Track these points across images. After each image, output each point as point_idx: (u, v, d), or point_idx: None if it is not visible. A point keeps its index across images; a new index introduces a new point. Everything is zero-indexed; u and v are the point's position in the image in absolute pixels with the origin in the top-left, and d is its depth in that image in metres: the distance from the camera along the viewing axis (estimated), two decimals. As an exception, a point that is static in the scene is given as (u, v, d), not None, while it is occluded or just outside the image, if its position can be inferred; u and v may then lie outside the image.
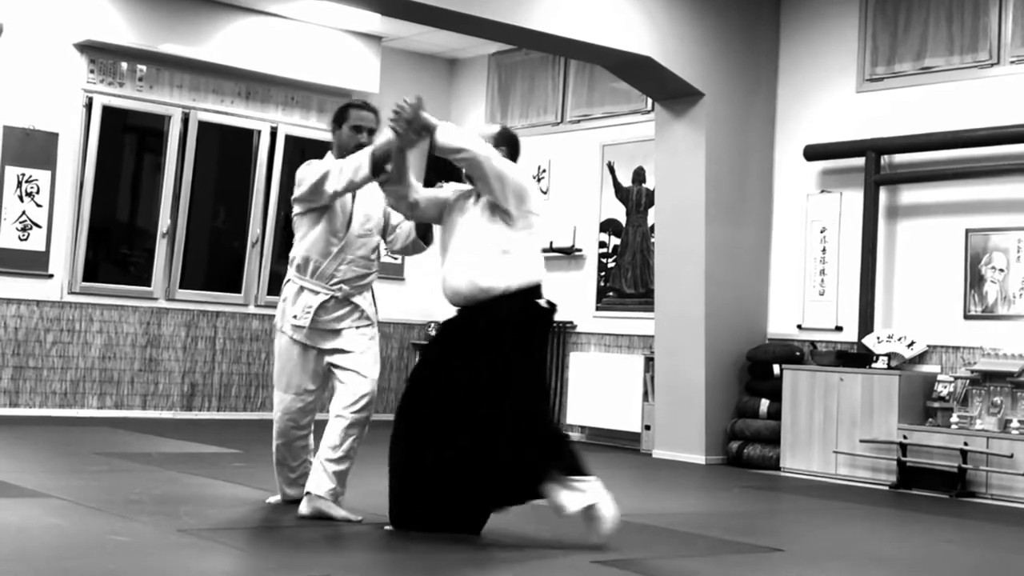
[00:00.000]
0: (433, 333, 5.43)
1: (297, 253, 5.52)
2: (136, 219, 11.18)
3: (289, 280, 5.57)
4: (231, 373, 11.11)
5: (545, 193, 11.20)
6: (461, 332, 5.18)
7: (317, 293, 5.46)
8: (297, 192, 5.48)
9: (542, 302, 5.19)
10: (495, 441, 4.98)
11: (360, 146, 5.41)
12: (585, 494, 5.04)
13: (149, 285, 10.72)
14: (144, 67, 10.64)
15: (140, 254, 10.87)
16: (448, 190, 5.43)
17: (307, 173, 5.44)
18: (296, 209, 5.56)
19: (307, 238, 5.49)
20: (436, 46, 11.93)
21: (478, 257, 5.10)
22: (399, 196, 5.28)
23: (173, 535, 4.85)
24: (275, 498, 5.85)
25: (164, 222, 10.72)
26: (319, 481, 5.31)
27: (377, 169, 5.20)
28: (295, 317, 5.46)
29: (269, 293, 11.25)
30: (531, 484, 5.02)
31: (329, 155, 5.59)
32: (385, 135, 5.23)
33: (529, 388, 5.10)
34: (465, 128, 5.60)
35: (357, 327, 5.47)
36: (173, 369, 10.82)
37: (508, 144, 5.40)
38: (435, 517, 5.09)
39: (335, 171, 5.32)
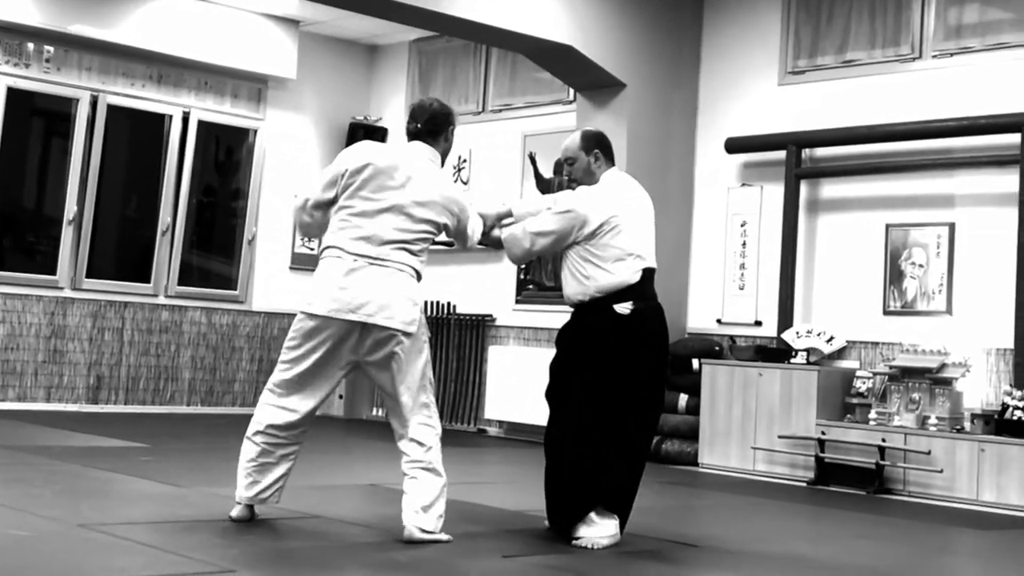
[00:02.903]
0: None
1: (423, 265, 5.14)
2: (42, 205, 10.87)
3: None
4: (139, 365, 10.85)
5: (465, 184, 11.06)
6: (564, 334, 5.40)
7: None
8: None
9: (620, 308, 5.21)
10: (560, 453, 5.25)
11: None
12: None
13: (54, 274, 10.42)
14: (51, 48, 10.34)
15: (46, 242, 10.57)
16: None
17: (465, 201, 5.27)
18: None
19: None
20: (355, 31, 11.76)
21: (567, 266, 5.37)
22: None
23: (74, 530, 4.70)
24: None
25: (71, 209, 10.43)
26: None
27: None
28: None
29: (179, 283, 11.01)
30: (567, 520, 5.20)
31: (434, 150, 5.18)
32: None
33: (587, 402, 5.20)
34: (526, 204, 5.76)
35: None
36: (79, 361, 10.53)
37: (598, 146, 5.40)
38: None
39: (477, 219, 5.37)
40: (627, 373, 5.18)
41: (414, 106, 5.27)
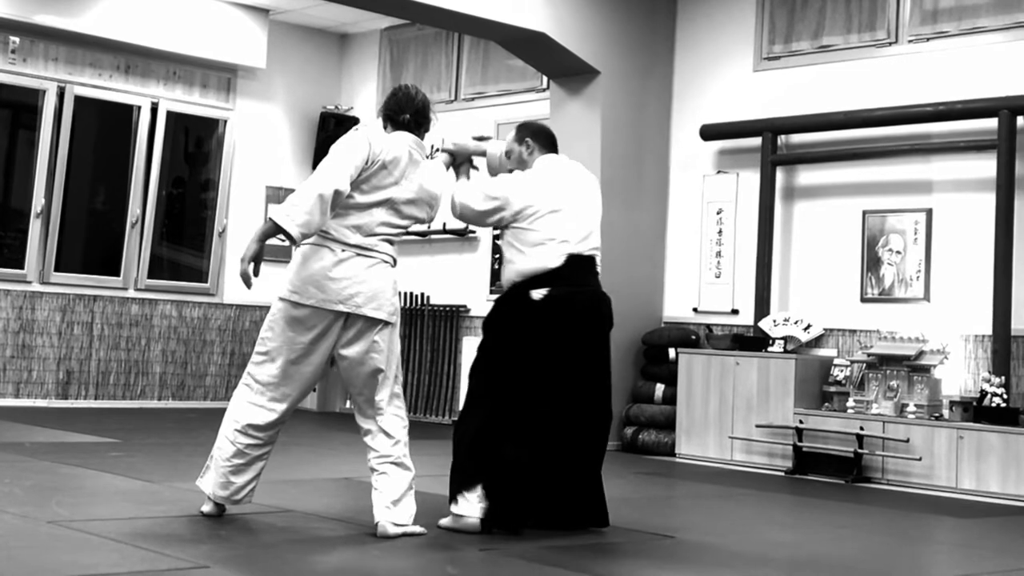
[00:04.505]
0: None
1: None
2: (9, 199, 10.74)
3: None
4: (109, 360, 10.72)
5: (437, 174, 10.97)
6: (486, 320, 5.38)
7: None
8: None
9: (535, 293, 5.16)
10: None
11: None
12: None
13: (22, 268, 10.29)
14: (17, 39, 10.21)
15: (13, 235, 10.45)
16: None
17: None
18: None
19: None
20: (326, 20, 11.66)
21: (503, 252, 5.36)
22: None
23: (44, 526, 4.66)
24: None
25: (38, 202, 10.30)
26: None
27: None
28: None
29: (149, 276, 10.90)
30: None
31: (421, 142, 5.21)
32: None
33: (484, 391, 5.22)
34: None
35: None
36: (48, 355, 10.40)
37: (529, 134, 5.51)
38: None
39: None
40: (542, 360, 5.12)
41: (400, 95, 5.15)
